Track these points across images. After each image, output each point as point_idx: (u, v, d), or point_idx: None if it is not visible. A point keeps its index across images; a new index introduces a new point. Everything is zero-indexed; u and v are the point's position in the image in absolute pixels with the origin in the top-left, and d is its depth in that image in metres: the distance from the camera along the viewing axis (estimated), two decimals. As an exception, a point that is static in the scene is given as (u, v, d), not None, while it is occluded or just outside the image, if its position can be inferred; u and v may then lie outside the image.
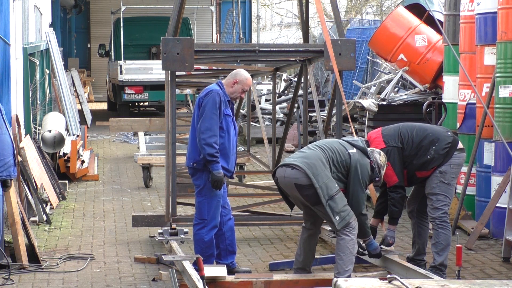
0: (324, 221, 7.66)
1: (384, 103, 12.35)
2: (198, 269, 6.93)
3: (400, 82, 13.92)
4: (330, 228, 8.36)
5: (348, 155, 7.35)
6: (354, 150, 7.41)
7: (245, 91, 7.96)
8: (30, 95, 13.02)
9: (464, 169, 9.64)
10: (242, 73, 7.95)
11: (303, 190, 7.24)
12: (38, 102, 14.03)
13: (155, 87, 23.83)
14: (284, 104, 20.38)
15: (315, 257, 7.95)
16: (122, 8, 23.94)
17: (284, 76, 23.32)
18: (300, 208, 7.63)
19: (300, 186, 7.23)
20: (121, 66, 23.93)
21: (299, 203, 7.52)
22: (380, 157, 7.54)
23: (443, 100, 11.01)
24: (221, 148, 7.75)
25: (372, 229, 7.98)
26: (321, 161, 7.26)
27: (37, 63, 14.09)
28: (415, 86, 13.25)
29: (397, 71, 13.35)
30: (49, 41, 16.49)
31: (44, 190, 11.01)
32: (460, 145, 7.90)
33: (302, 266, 7.66)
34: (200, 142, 7.67)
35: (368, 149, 7.56)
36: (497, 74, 9.49)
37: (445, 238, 7.77)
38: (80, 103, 22.95)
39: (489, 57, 9.87)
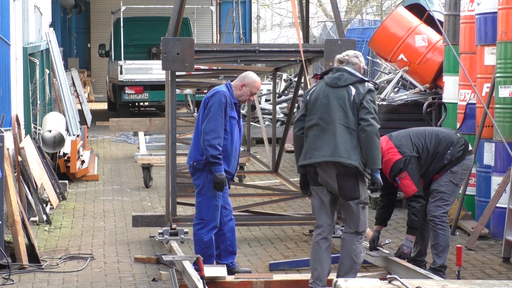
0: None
1: (384, 103, 12.35)
2: (198, 269, 6.93)
3: (400, 82, 13.93)
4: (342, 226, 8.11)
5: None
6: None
7: (253, 94, 7.87)
8: (30, 95, 13.02)
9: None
10: (250, 75, 7.89)
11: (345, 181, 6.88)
12: (38, 102, 14.02)
13: (155, 87, 23.82)
14: (284, 104, 20.38)
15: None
16: (122, 8, 23.94)
17: (284, 76, 23.31)
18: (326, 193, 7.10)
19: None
20: (121, 66, 23.92)
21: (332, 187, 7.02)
22: (360, 59, 7.15)
23: (443, 100, 11.01)
24: (223, 150, 7.69)
25: (375, 235, 7.96)
26: None
27: (37, 63, 14.09)
28: (415, 86, 13.26)
29: (397, 71, 13.35)
30: (49, 41, 16.48)
31: (44, 190, 11.00)
32: (469, 147, 7.93)
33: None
34: (204, 143, 7.64)
35: (351, 58, 7.11)
36: (497, 74, 9.49)
37: (444, 239, 7.75)
38: (80, 103, 22.94)
39: (489, 57, 9.87)
